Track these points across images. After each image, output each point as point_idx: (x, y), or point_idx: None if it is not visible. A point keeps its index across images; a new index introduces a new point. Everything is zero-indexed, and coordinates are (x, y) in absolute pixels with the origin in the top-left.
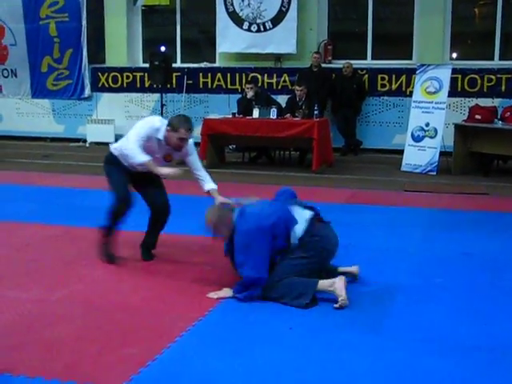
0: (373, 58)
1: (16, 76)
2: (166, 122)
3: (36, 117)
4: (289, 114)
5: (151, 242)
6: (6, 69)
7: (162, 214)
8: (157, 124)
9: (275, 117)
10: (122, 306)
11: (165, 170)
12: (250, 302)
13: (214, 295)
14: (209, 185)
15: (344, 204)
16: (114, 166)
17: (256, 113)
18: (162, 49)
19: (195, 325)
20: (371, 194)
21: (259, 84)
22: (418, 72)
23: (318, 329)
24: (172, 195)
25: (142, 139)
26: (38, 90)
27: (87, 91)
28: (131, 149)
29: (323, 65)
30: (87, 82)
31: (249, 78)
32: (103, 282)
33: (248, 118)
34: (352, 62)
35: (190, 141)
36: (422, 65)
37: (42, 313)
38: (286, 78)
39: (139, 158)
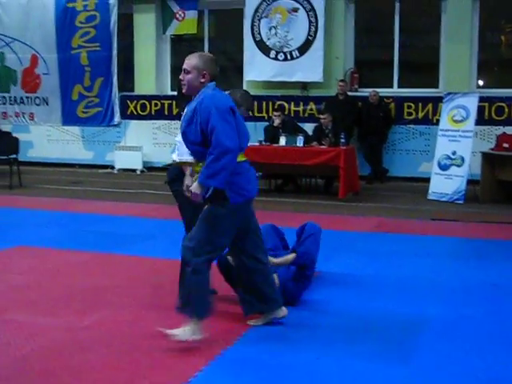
0: (399, 86)
1: (47, 104)
2: None
3: (66, 144)
4: (315, 142)
5: None
6: (38, 97)
7: None
8: None
9: (302, 145)
10: (151, 333)
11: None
12: (276, 331)
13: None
14: None
15: (370, 232)
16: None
17: (283, 141)
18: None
19: (222, 353)
20: (398, 222)
21: (286, 112)
22: (444, 100)
23: (346, 359)
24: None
25: None
26: (69, 117)
27: (116, 118)
28: None
29: (349, 93)
30: (116, 109)
31: (275, 106)
32: (131, 309)
33: (275, 145)
34: (378, 90)
35: None
36: (449, 93)
37: (71, 339)
38: (313, 106)
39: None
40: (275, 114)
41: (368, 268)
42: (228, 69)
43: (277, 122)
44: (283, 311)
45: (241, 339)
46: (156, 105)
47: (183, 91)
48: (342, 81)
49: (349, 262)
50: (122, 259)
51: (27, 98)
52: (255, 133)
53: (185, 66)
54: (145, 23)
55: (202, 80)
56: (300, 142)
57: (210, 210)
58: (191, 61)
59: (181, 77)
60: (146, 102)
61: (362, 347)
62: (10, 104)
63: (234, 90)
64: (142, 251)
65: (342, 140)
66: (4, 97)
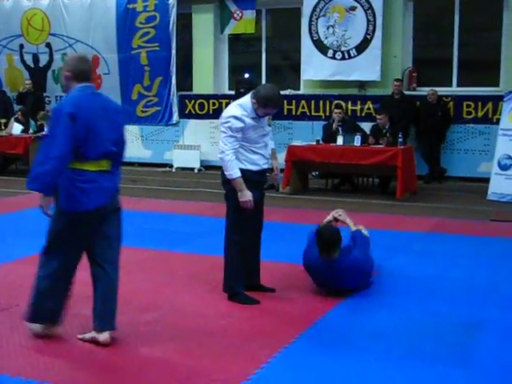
0: (458, 85)
1: None
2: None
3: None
4: (372, 140)
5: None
6: None
7: None
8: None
9: (359, 144)
10: (211, 330)
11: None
12: (334, 332)
13: None
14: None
15: (428, 233)
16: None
17: (340, 140)
18: (246, 75)
19: (281, 351)
20: (456, 223)
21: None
22: (505, 99)
23: (405, 360)
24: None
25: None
26: (128, 116)
27: (175, 118)
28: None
29: (407, 92)
30: (175, 108)
31: (333, 106)
32: (191, 306)
33: (332, 144)
34: (437, 88)
35: None
36: (510, 92)
37: (133, 334)
38: (370, 106)
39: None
40: (336, 111)
41: (426, 269)
42: (285, 68)
43: (338, 118)
44: (104, 336)
45: (299, 338)
46: (214, 104)
47: None
48: (397, 80)
49: (407, 262)
50: (180, 257)
51: None
52: (311, 132)
53: None
54: (203, 23)
55: (66, 82)
56: (357, 141)
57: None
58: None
59: None
60: (204, 102)
61: (421, 348)
62: None
63: (261, 87)
64: (200, 249)
65: (400, 139)
66: None
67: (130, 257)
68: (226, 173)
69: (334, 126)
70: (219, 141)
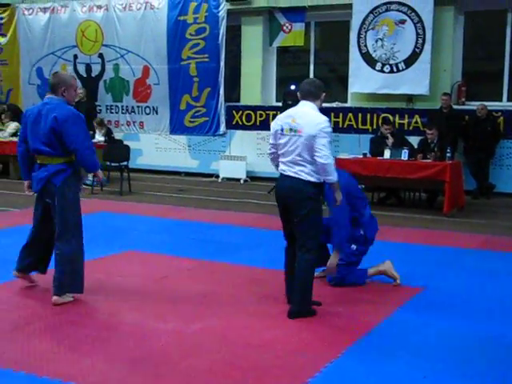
0: (508, 100)
1: (157, 113)
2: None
3: (173, 152)
4: (420, 156)
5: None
6: (148, 106)
7: None
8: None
9: (407, 158)
10: (255, 343)
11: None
12: (381, 346)
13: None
14: None
15: (476, 250)
16: (319, 202)
17: (387, 153)
18: (293, 87)
19: (328, 366)
20: (505, 240)
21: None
22: None
23: (453, 379)
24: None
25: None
26: (176, 126)
27: (222, 128)
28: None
29: (456, 106)
30: (222, 119)
31: (380, 119)
32: (237, 317)
33: (379, 158)
34: (486, 103)
35: None
36: None
37: (178, 345)
38: (418, 120)
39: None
40: (385, 127)
41: (474, 286)
42: (332, 80)
43: (388, 135)
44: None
45: (345, 353)
46: (261, 115)
47: None
48: (445, 94)
49: (454, 279)
50: (226, 267)
51: (138, 107)
52: (358, 145)
53: None
54: (252, 35)
55: None
56: (405, 155)
57: None
58: None
59: None
60: (252, 113)
61: (469, 368)
62: (122, 113)
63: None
64: (245, 260)
65: (448, 154)
66: (117, 106)
67: (176, 265)
68: (329, 177)
69: (389, 142)
70: (319, 147)
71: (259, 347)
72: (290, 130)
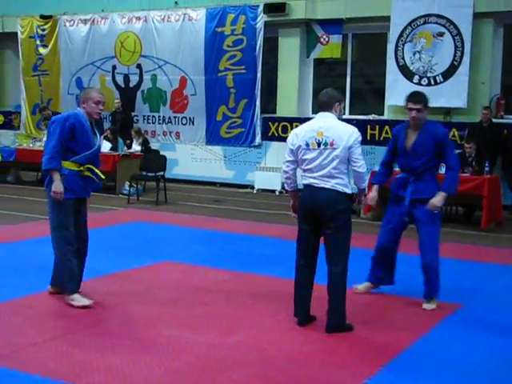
0: None
1: (193, 124)
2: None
3: (208, 162)
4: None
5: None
6: (184, 117)
7: None
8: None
9: (444, 172)
10: (293, 357)
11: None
12: (422, 361)
13: None
14: None
15: None
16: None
17: None
18: None
19: (365, 383)
20: None
21: None
22: None
23: None
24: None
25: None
26: (212, 137)
27: (258, 139)
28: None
29: (495, 120)
30: (258, 130)
31: None
32: (275, 330)
33: None
34: None
35: None
36: None
37: (215, 357)
38: (455, 133)
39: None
40: None
41: None
42: (368, 92)
43: None
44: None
45: (383, 370)
46: (297, 127)
47: None
48: (486, 108)
49: (494, 295)
50: (262, 280)
51: (175, 117)
52: None
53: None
54: (289, 47)
55: None
56: (442, 169)
57: None
58: None
59: None
60: (288, 124)
61: None
62: (159, 123)
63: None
64: (281, 273)
65: (487, 169)
66: (154, 116)
67: (212, 277)
68: (363, 184)
69: None
70: (356, 157)
71: (297, 361)
72: (319, 144)
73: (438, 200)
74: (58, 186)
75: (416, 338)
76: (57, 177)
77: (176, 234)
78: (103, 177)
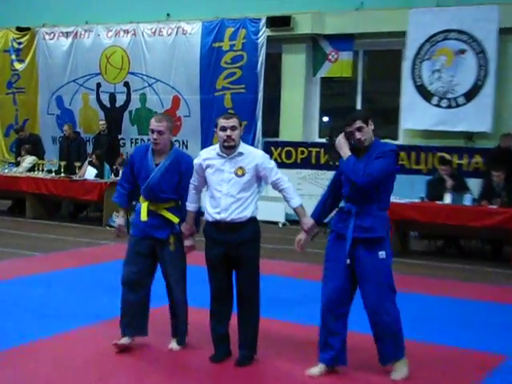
0: None
1: (187, 148)
2: None
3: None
4: (485, 201)
5: None
6: (177, 140)
7: None
8: None
9: (470, 203)
10: None
11: None
12: None
13: None
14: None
15: None
16: None
17: (448, 198)
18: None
19: None
20: None
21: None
22: None
23: None
24: None
25: None
26: None
27: None
28: None
29: None
30: None
31: (434, 158)
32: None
33: (439, 203)
34: None
35: None
36: None
37: None
38: (479, 160)
39: None
40: (442, 167)
41: None
42: (381, 115)
43: (447, 178)
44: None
45: None
46: (302, 152)
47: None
48: (505, 135)
49: None
50: (280, 326)
51: None
52: (411, 188)
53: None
54: (294, 64)
55: None
56: (468, 200)
57: None
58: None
59: None
60: (292, 150)
61: None
62: None
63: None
64: (297, 317)
65: None
66: (143, 139)
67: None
68: None
69: (448, 185)
70: None
71: None
72: None
73: None
74: None
75: None
76: None
77: None
78: None
